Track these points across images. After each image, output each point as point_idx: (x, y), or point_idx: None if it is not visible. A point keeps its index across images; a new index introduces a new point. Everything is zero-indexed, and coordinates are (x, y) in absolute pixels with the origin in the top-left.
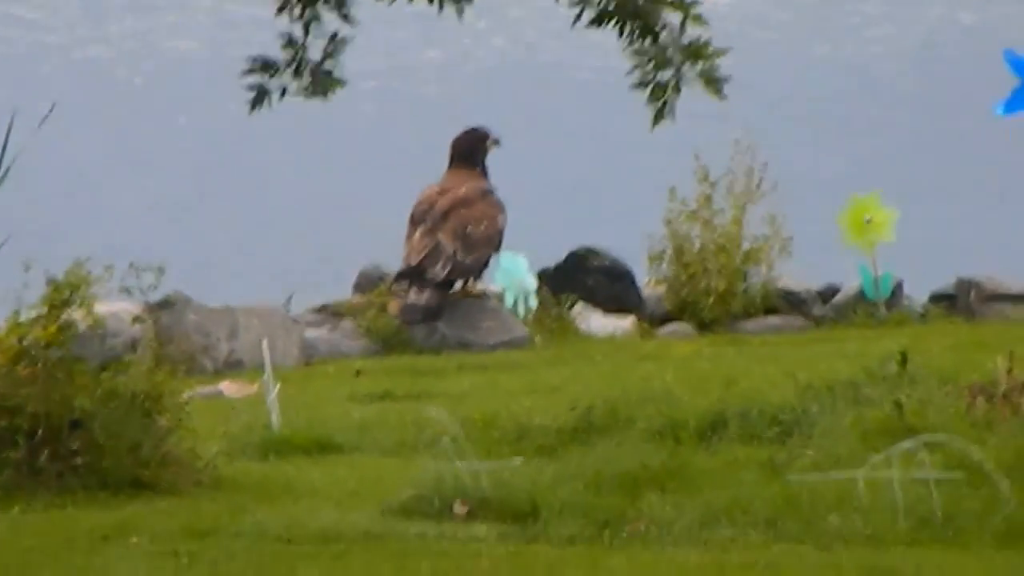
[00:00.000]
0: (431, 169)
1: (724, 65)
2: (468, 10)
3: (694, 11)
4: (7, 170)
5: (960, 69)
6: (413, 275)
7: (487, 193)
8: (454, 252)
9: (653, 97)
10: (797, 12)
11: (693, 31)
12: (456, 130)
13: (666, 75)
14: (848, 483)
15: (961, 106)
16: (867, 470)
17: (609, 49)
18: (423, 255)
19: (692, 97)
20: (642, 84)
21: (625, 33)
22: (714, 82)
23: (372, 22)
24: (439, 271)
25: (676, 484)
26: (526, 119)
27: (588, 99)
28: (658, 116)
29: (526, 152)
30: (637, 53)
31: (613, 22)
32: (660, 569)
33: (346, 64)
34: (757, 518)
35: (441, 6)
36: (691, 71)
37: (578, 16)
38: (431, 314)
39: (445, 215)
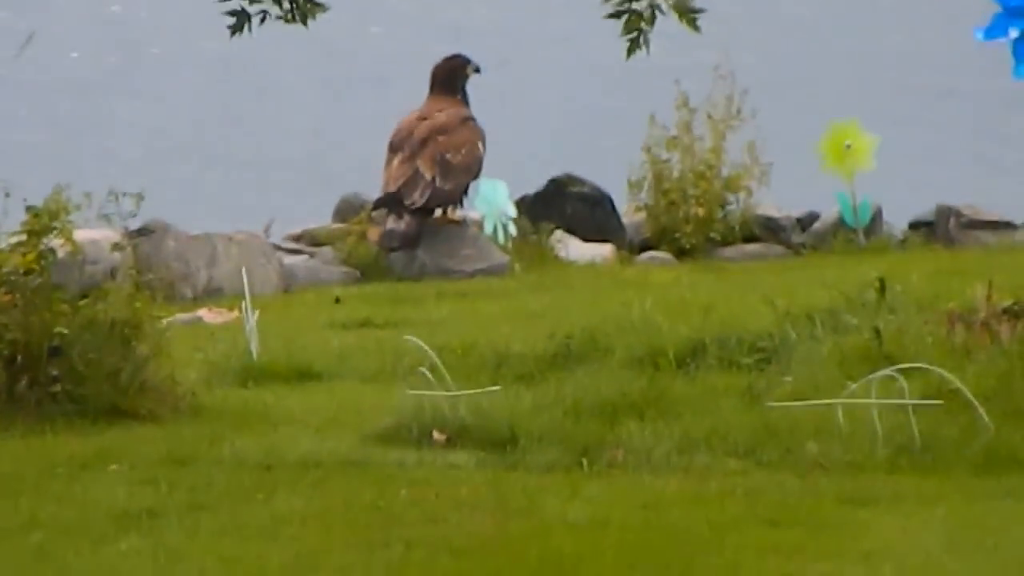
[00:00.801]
0: (414, 93)
1: None
2: None
3: None
4: None
5: None
6: (391, 202)
7: (466, 120)
8: (432, 179)
9: (627, 27)
10: None
11: None
12: (436, 56)
13: (640, 6)
14: (827, 411)
15: (944, 31)
16: (846, 397)
17: None
18: (401, 182)
19: (673, 24)
20: (616, 14)
21: None
22: (688, 13)
23: None
24: (417, 198)
25: (655, 412)
26: (505, 45)
27: (567, 25)
28: (632, 46)
29: (506, 78)
30: None
31: None
32: (638, 496)
33: None
34: (736, 446)
35: None
36: (665, 1)
37: None
38: (409, 241)
39: (423, 142)
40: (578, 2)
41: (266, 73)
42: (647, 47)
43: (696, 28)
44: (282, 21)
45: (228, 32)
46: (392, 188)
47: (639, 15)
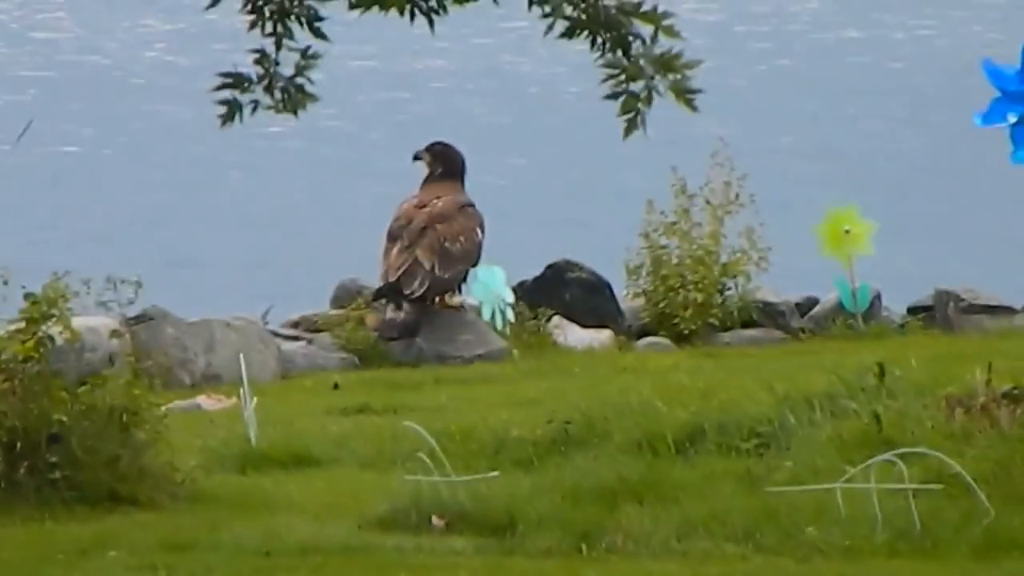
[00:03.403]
0: (407, 179)
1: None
2: (439, 22)
3: (665, 22)
4: None
5: (941, 78)
6: (391, 292)
7: (465, 206)
8: (432, 268)
9: (624, 108)
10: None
11: (665, 43)
12: (429, 141)
13: (638, 87)
14: (826, 495)
15: (941, 116)
16: (845, 482)
17: (585, 59)
18: (401, 272)
19: (672, 108)
20: (614, 96)
21: (596, 44)
22: (686, 95)
23: (341, 38)
24: (417, 288)
25: (654, 496)
26: (503, 130)
27: (566, 110)
28: (630, 128)
29: (504, 164)
30: (608, 65)
31: (584, 34)
32: None
33: (320, 75)
34: (735, 530)
35: (412, 17)
36: (663, 83)
37: (549, 28)
38: (409, 330)
39: (422, 231)
40: (575, 85)
41: (261, 157)
42: (644, 129)
43: (694, 108)
44: (272, 111)
45: (218, 122)
46: (391, 278)
47: (636, 96)
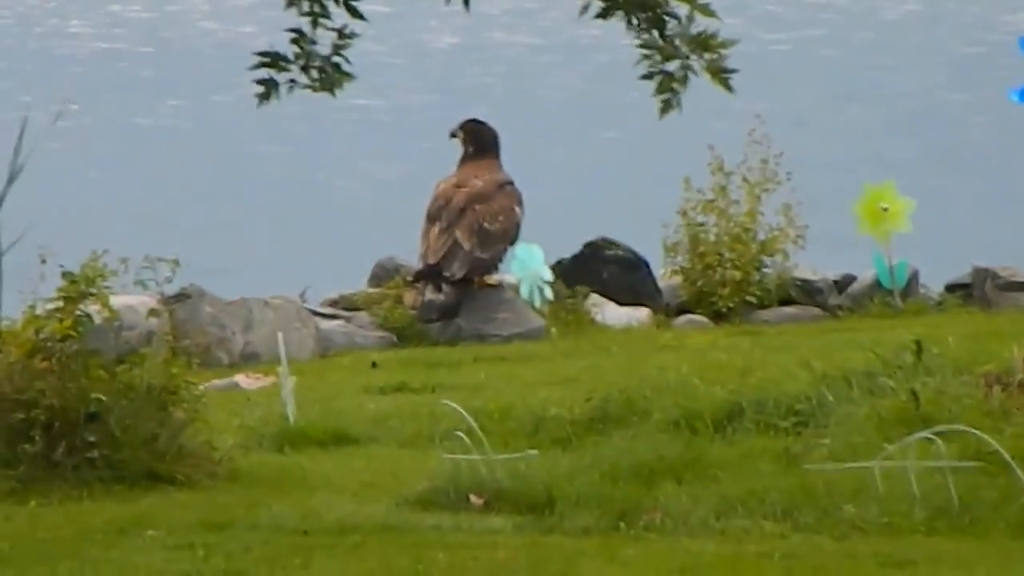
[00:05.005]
0: (446, 158)
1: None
2: None
3: (700, 1)
4: (23, 165)
5: (982, 56)
6: (431, 274)
7: (503, 185)
8: (471, 249)
9: (660, 89)
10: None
11: (702, 22)
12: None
13: (673, 66)
14: (864, 473)
15: (979, 94)
16: (883, 460)
17: (624, 35)
18: (441, 254)
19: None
20: (649, 75)
21: (632, 24)
22: (721, 74)
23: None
24: (457, 270)
25: (692, 475)
26: (541, 107)
27: (604, 87)
28: (665, 107)
29: (540, 141)
30: (644, 45)
31: (620, 14)
32: (676, 560)
33: (362, 54)
34: (773, 508)
35: None
36: (699, 63)
37: (584, 8)
38: (449, 312)
39: (462, 211)
40: (615, 66)
41: (301, 138)
42: (680, 108)
43: (730, 89)
44: (310, 91)
45: (256, 100)
46: (431, 260)
47: (671, 76)
